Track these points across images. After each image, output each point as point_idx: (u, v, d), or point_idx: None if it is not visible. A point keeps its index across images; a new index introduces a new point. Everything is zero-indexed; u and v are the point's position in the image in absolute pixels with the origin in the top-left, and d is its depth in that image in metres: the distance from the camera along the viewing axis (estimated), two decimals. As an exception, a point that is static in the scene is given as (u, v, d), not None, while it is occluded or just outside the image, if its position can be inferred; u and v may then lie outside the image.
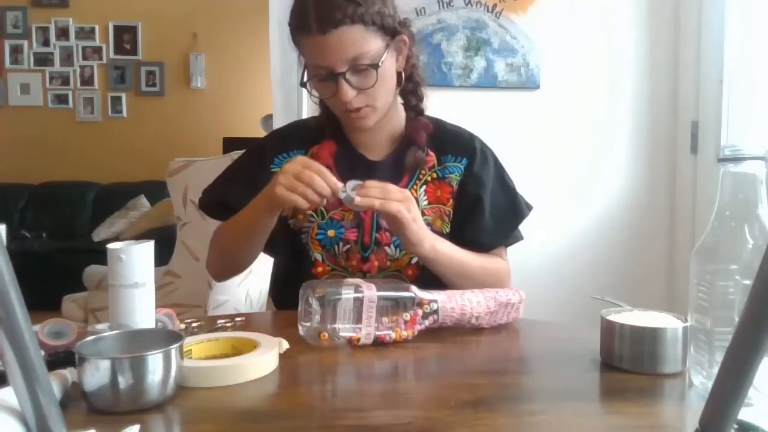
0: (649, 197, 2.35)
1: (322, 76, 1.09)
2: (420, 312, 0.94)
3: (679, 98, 2.31)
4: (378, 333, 0.91)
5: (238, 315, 1.09)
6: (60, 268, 3.97)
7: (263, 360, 0.81)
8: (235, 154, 1.79)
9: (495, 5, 2.26)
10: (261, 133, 3.99)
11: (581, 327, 1.01)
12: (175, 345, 0.72)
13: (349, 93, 1.08)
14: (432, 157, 1.21)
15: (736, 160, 2.02)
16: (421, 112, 1.22)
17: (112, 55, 5.21)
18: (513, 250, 1.27)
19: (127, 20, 5.18)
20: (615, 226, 2.35)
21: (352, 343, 0.91)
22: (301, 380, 0.84)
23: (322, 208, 1.16)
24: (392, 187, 1.04)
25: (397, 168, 1.19)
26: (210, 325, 1.02)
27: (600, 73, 2.33)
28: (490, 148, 1.27)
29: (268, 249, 1.20)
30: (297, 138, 1.24)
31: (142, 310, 0.84)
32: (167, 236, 2.67)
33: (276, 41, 2.24)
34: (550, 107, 2.31)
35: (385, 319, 0.92)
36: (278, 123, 2.21)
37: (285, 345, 0.88)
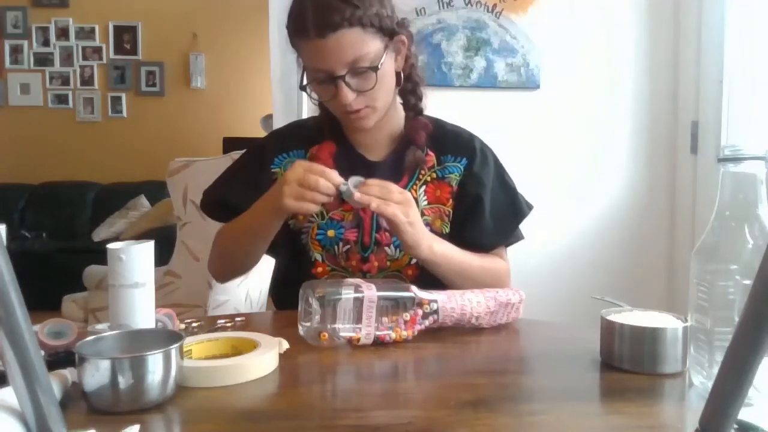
0: (649, 197, 2.35)
1: (321, 79, 1.09)
2: (420, 312, 0.94)
3: (679, 98, 2.31)
4: (378, 333, 0.91)
5: (238, 315, 1.09)
6: (60, 268, 3.97)
7: (263, 360, 0.80)
8: (235, 154, 1.79)
9: (495, 5, 2.26)
10: (261, 133, 3.99)
11: (581, 327, 1.01)
12: (175, 345, 0.72)
13: (348, 96, 1.08)
14: (432, 157, 1.21)
15: (736, 160, 2.02)
16: (420, 111, 1.22)
17: (112, 55, 5.21)
18: (513, 250, 1.27)
19: (127, 20, 5.19)
20: (615, 226, 2.35)
21: (352, 343, 0.91)
22: (301, 380, 0.84)
23: (322, 209, 1.16)
24: (393, 188, 1.04)
25: (396, 168, 1.19)
26: (210, 325, 1.02)
27: (600, 73, 2.33)
28: (490, 148, 1.27)
29: (269, 249, 1.20)
30: (297, 138, 1.24)
31: (142, 310, 0.84)
32: (167, 236, 2.67)
33: (276, 41, 2.24)
34: (550, 107, 2.31)
35: (385, 319, 0.92)
36: (278, 123, 2.21)
37: (285, 345, 0.88)
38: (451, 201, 1.20)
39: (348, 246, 1.16)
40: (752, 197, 0.72)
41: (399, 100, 1.21)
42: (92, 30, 5.19)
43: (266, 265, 1.38)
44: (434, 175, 1.20)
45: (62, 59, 5.18)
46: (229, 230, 1.20)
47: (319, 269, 1.16)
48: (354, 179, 1.03)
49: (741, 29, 2.03)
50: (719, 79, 2.06)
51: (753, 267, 0.55)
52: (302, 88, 1.13)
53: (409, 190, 1.17)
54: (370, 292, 0.91)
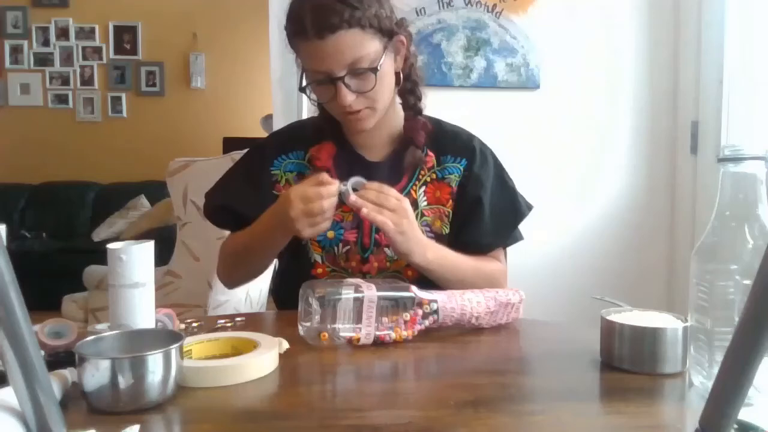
0: (649, 197, 2.35)
1: (321, 81, 1.08)
2: (420, 312, 0.94)
3: (679, 98, 2.31)
4: (378, 333, 0.91)
5: (238, 315, 1.09)
6: (60, 268, 3.97)
7: (263, 360, 0.81)
8: (235, 154, 1.79)
9: (495, 5, 2.26)
10: (261, 133, 3.99)
11: (581, 327, 1.01)
12: (175, 345, 0.72)
13: (348, 97, 1.07)
14: (431, 158, 1.21)
15: (736, 160, 2.01)
16: (419, 111, 1.21)
17: (112, 55, 5.22)
18: (513, 250, 1.27)
19: (127, 20, 5.19)
20: (615, 226, 2.35)
21: (352, 343, 0.91)
22: (301, 380, 0.84)
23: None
24: (391, 194, 1.04)
25: (396, 168, 1.19)
26: (210, 325, 1.02)
27: (600, 73, 2.33)
28: (490, 148, 1.27)
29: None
30: (297, 139, 1.24)
31: (142, 310, 0.84)
32: (167, 236, 2.67)
33: (276, 41, 2.24)
34: (550, 107, 2.31)
35: (385, 319, 0.92)
36: (278, 123, 2.21)
37: (285, 345, 0.88)
38: (450, 201, 1.20)
39: (348, 247, 1.16)
40: (752, 197, 0.72)
41: (398, 100, 1.21)
42: (92, 30, 5.20)
43: (266, 266, 1.38)
44: (434, 176, 1.20)
45: (62, 59, 5.18)
46: (237, 243, 1.20)
47: (319, 270, 1.16)
48: (354, 180, 1.03)
49: (741, 29, 2.03)
50: (719, 79, 2.06)
51: (753, 267, 0.55)
52: (302, 89, 1.13)
53: (409, 191, 1.17)
54: (370, 292, 0.91)
